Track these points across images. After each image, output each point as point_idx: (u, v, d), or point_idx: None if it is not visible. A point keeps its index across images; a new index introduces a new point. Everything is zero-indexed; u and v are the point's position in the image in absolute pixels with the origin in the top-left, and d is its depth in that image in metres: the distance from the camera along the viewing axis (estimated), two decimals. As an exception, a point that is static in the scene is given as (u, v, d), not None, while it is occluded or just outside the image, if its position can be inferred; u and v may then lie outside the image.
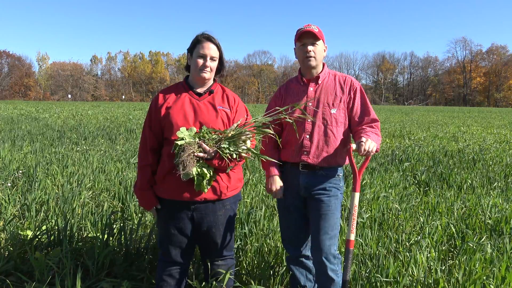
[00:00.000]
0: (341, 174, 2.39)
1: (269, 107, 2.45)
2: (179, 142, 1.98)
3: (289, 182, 2.39)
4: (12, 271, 2.76)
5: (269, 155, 2.31)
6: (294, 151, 2.33)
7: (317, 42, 2.30)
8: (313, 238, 2.33)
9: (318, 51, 2.30)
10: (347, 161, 2.36)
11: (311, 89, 2.37)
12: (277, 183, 2.37)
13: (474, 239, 3.50)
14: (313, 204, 2.32)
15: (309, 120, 2.30)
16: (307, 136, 2.31)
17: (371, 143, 2.10)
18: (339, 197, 2.35)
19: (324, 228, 2.27)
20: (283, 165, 2.42)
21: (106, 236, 2.98)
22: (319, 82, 2.37)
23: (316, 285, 2.50)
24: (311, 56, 2.28)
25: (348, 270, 2.16)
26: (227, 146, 2.04)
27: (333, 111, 2.31)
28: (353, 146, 2.18)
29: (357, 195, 2.16)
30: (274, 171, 2.39)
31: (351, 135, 2.40)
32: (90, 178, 5.49)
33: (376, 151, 2.18)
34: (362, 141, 2.11)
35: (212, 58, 2.16)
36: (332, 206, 2.30)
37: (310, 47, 2.28)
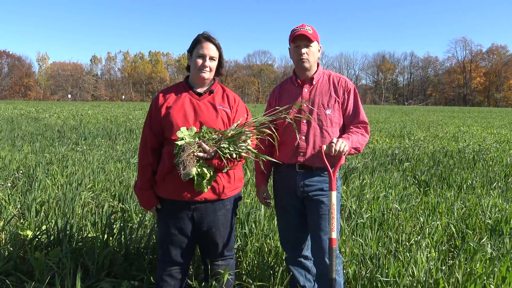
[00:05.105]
0: (337, 174, 2.39)
1: (268, 108, 2.45)
2: (179, 142, 1.98)
3: (285, 182, 2.39)
4: (12, 271, 2.76)
5: (267, 152, 2.31)
6: (290, 152, 2.32)
7: (311, 44, 2.29)
8: (315, 239, 2.32)
9: (312, 53, 2.30)
10: (343, 161, 2.36)
11: (305, 90, 2.37)
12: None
13: (474, 239, 3.50)
14: (313, 205, 2.32)
15: (304, 121, 2.31)
16: (303, 137, 2.31)
17: (341, 143, 2.12)
18: (337, 197, 2.35)
19: (325, 228, 2.27)
20: (279, 166, 2.42)
21: (106, 236, 2.98)
22: (314, 83, 2.37)
23: (315, 285, 2.50)
24: (304, 59, 2.29)
25: (333, 268, 2.13)
26: (227, 146, 2.04)
27: (328, 112, 2.31)
28: (324, 147, 2.20)
29: (333, 193, 2.17)
30: (261, 180, 2.54)
31: None
32: (90, 178, 5.49)
33: (358, 152, 2.21)
34: (333, 142, 2.13)
35: (211, 58, 2.17)
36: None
37: (303, 50, 2.28)
